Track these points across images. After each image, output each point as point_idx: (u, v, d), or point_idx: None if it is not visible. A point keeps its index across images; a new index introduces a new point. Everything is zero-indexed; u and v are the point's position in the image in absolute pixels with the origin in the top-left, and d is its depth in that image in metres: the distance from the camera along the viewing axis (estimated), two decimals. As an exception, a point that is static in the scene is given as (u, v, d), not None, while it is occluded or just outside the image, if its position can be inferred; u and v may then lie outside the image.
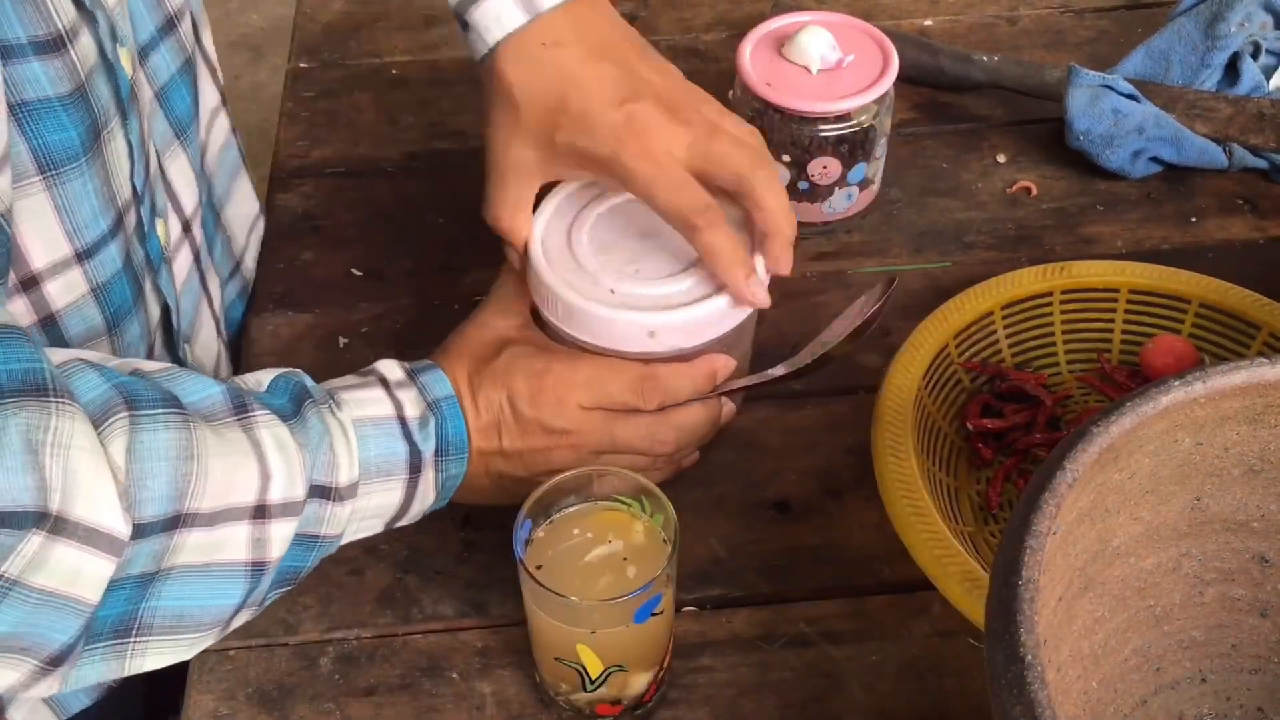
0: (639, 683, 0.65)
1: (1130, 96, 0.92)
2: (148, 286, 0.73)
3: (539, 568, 0.62)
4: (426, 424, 0.68)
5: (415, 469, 0.68)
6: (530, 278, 0.73)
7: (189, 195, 0.78)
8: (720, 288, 0.71)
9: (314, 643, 0.71)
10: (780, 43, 0.87)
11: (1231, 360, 0.52)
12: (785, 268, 0.72)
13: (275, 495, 0.62)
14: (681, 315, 0.70)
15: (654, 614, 0.62)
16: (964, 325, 0.77)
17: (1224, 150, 0.93)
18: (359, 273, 0.90)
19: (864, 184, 0.89)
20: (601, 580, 0.63)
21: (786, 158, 0.86)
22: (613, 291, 0.71)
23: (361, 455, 0.66)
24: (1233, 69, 0.95)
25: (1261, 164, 0.93)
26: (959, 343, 0.77)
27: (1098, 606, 0.54)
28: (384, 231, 0.92)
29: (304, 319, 0.87)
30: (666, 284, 0.71)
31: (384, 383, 0.69)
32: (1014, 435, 0.76)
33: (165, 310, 0.75)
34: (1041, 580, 0.46)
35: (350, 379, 0.69)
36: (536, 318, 0.74)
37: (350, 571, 0.73)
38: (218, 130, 0.85)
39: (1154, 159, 0.93)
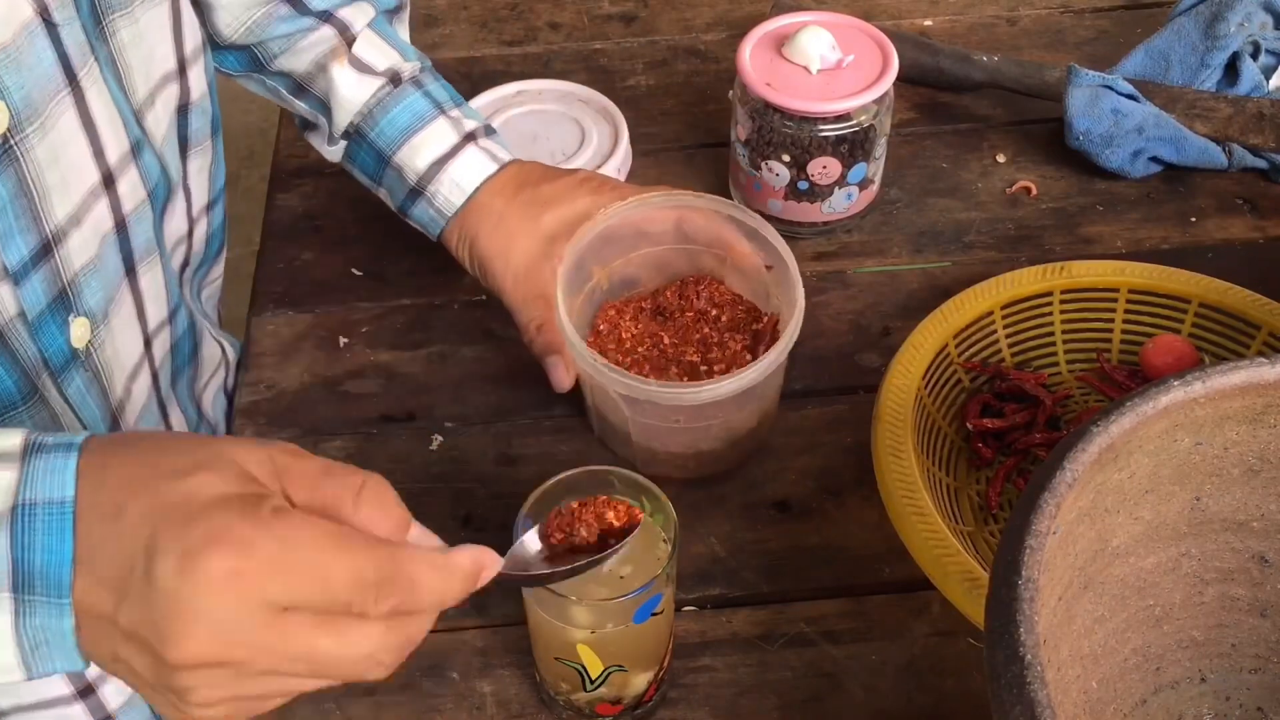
0: (639, 683, 0.65)
1: (1130, 96, 0.92)
2: (49, 390, 0.66)
3: (539, 568, 0.62)
4: None
5: None
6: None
7: (154, 310, 0.74)
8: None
9: (314, 643, 0.71)
10: (780, 43, 0.87)
11: (1231, 360, 0.52)
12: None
13: None
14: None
15: (654, 614, 0.62)
16: (964, 325, 0.77)
17: (1224, 150, 0.93)
18: (359, 273, 0.90)
19: (864, 184, 0.89)
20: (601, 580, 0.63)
21: (786, 157, 0.86)
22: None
23: None
24: (1232, 69, 0.95)
25: (1261, 164, 0.93)
26: (959, 343, 0.77)
27: (1097, 606, 0.54)
28: (384, 231, 0.92)
29: (304, 319, 0.87)
30: None
31: None
32: (1014, 435, 0.76)
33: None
34: (1041, 580, 0.46)
35: None
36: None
37: (350, 571, 0.73)
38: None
39: (1154, 159, 0.93)
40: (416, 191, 0.80)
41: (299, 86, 0.83)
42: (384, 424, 0.81)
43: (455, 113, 0.82)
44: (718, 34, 1.07)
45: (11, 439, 0.49)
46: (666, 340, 0.77)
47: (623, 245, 0.78)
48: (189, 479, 0.46)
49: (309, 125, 0.86)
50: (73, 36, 0.62)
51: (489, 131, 0.82)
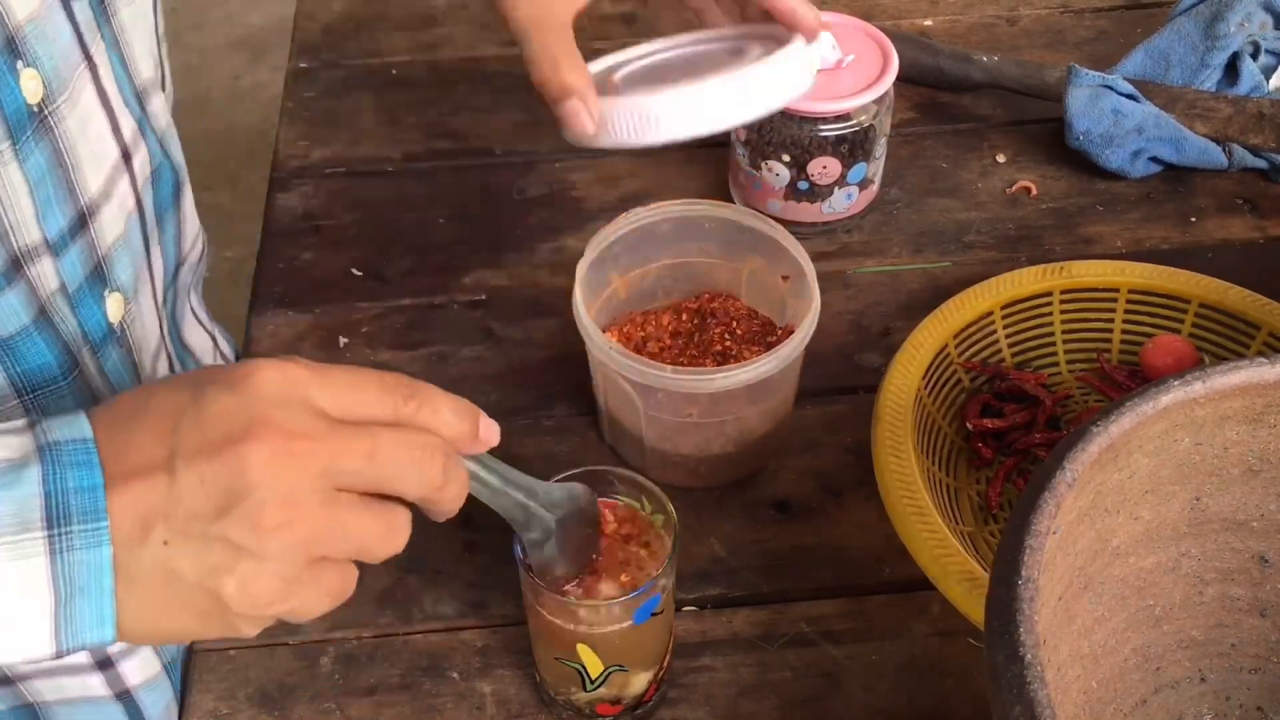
0: (639, 683, 0.65)
1: (1130, 96, 0.92)
2: (88, 366, 0.66)
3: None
4: (20, 471, 0.47)
5: None
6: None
7: (161, 292, 0.74)
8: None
9: (314, 642, 0.71)
10: (780, 43, 0.87)
11: (1231, 360, 0.52)
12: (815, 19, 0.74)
13: None
14: (767, 68, 0.70)
15: (654, 614, 0.62)
16: (964, 325, 0.77)
17: (1224, 150, 0.93)
18: (359, 273, 0.90)
19: (864, 184, 0.89)
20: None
21: (786, 157, 0.86)
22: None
23: None
24: (1232, 69, 0.95)
25: (1261, 164, 0.93)
26: (959, 342, 0.77)
27: (1097, 606, 0.54)
28: (384, 231, 0.92)
29: (304, 319, 0.87)
30: (727, 69, 0.71)
31: None
32: (1014, 435, 0.76)
33: None
34: (1041, 580, 0.46)
35: None
36: None
37: (350, 571, 0.73)
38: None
39: (1154, 159, 0.93)
40: None
41: None
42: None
43: None
44: (718, 34, 1.07)
45: (14, 421, 0.50)
46: (682, 351, 0.77)
47: (641, 254, 0.78)
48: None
49: None
50: (83, 13, 0.63)
51: None
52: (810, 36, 0.73)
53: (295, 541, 0.47)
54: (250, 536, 0.47)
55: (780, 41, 0.73)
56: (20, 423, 0.50)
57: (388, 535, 0.50)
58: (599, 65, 0.77)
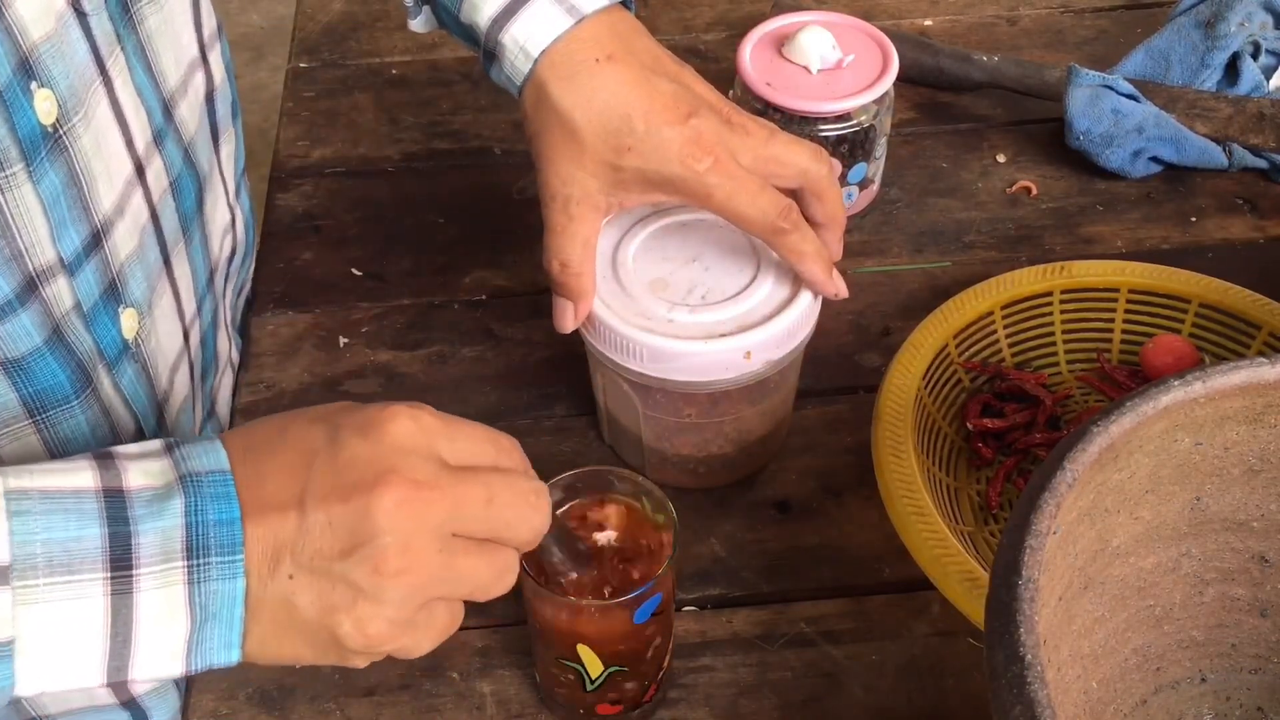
0: (639, 683, 0.65)
1: (1130, 96, 0.92)
2: (103, 383, 0.66)
3: (539, 568, 0.62)
4: (164, 502, 0.50)
5: (124, 565, 0.49)
6: (592, 331, 0.70)
7: (188, 302, 0.74)
8: (793, 291, 0.70)
9: (314, 643, 0.71)
10: (780, 43, 0.87)
11: (1231, 360, 0.52)
12: (839, 254, 0.72)
13: None
14: (773, 327, 0.69)
15: (654, 614, 0.62)
16: (964, 325, 0.77)
17: (1224, 150, 0.93)
18: (359, 273, 0.90)
19: (864, 184, 0.89)
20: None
21: (786, 158, 0.86)
22: (694, 322, 0.69)
23: (15, 538, 0.48)
24: (1233, 69, 0.95)
25: (1261, 164, 0.93)
26: (959, 343, 0.77)
27: (1098, 606, 0.54)
28: (384, 231, 0.92)
29: (304, 319, 0.87)
30: (739, 302, 0.70)
31: (105, 455, 0.52)
32: (1014, 435, 0.76)
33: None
34: (1041, 580, 0.46)
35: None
36: None
37: (350, 571, 0.73)
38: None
39: (1154, 159, 0.93)
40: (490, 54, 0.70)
41: None
42: (384, 424, 0.81)
43: None
44: (718, 34, 1.07)
45: (151, 443, 0.52)
46: None
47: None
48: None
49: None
50: (100, 26, 0.62)
51: None
52: (822, 294, 0.71)
53: (412, 586, 0.50)
54: (370, 579, 0.50)
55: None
56: (157, 445, 0.52)
57: (498, 578, 0.54)
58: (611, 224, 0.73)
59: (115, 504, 0.49)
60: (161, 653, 0.50)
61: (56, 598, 0.48)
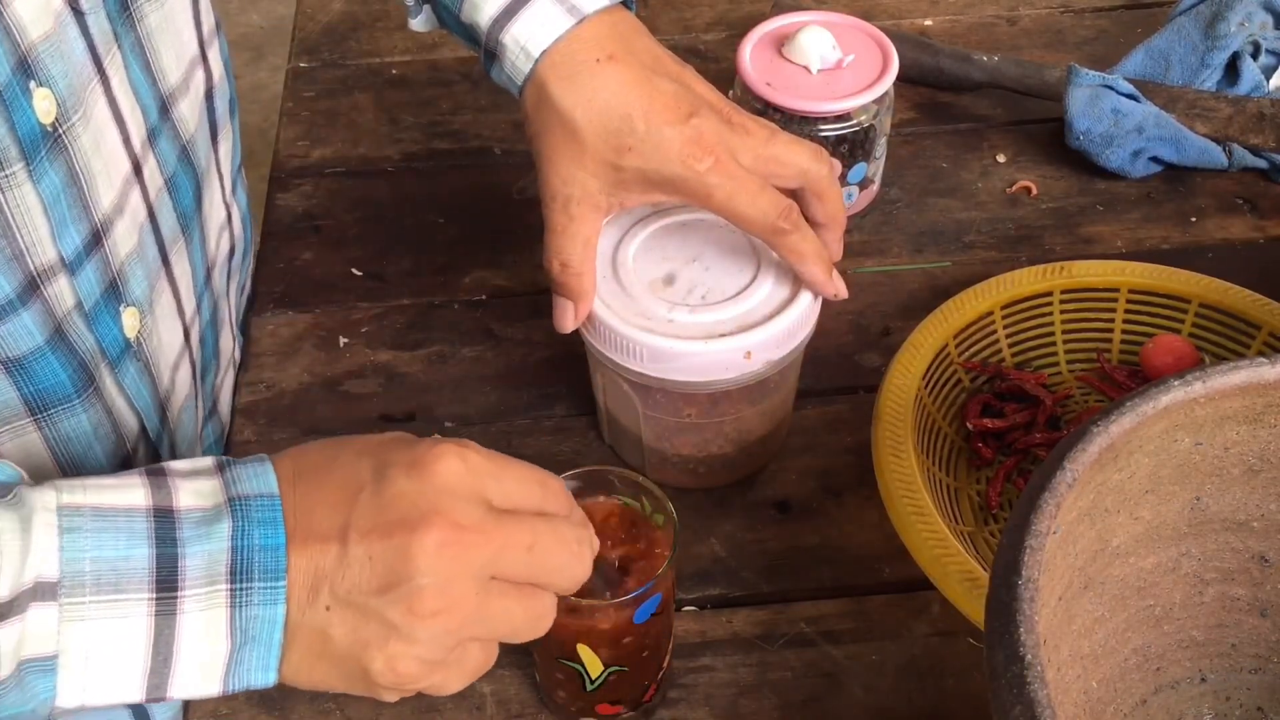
0: (639, 683, 0.65)
1: (1130, 96, 0.92)
2: (105, 382, 0.66)
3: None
4: (212, 524, 0.50)
5: (169, 586, 0.49)
6: (592, 330, 0.70)
7: (188, 300, 0.74)
8: (793, 291, 0.70)
9: (314, 643, 0.71)
10: (780, 43, 0.87)
11: (1231, 360, 0.52)
12: (839, 254, 0.72)
13: None
14: (773, 327, 0.69)
15: (654, 614, 0.62)
16: (964, 325, 0.77)
17: (1224, 150, 0.93)
18: (359, 273, 0.90)
19: (864, 184, 0.89)
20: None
21: (786, 158, 0.86)
22: (693, 321, 0.69)
23: (65, 555, 0.48)
24: (1233, 69, 0.95)
25: (1261, 164, 0.93)
26: (959, 342, 0.77)
27: (1098, 606, 0.54)
28: (384, 231, 0.92)
29: (304, 319, 0.87)
30: (739, 302, 0.70)
31: (158, 472, 0.52)
32: (1014, 435, 0.76)
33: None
34: (1041, 580, 0.46)
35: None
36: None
37: (350, 571, 0.73)
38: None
39: (1154, 159, 0.93)
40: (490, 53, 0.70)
41: None
42: (384, 424, 0.81)
43: None
44: (718, 34, 1.07)
45: (200, 461, 0.53)
46: None
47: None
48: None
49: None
50: (98, 25, 0.62)
51: None
52: (822, 294, 0.71)
53: (446, 628, 0.50)
54: (405, 619, 0.50)
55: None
56: (209, 463, 0.53)
57: (535, 623, 0.54)
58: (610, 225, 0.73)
59: (164, 524, 0.50)
60: (201, 673, 0.50)
61: (101, 615, 0.49)
